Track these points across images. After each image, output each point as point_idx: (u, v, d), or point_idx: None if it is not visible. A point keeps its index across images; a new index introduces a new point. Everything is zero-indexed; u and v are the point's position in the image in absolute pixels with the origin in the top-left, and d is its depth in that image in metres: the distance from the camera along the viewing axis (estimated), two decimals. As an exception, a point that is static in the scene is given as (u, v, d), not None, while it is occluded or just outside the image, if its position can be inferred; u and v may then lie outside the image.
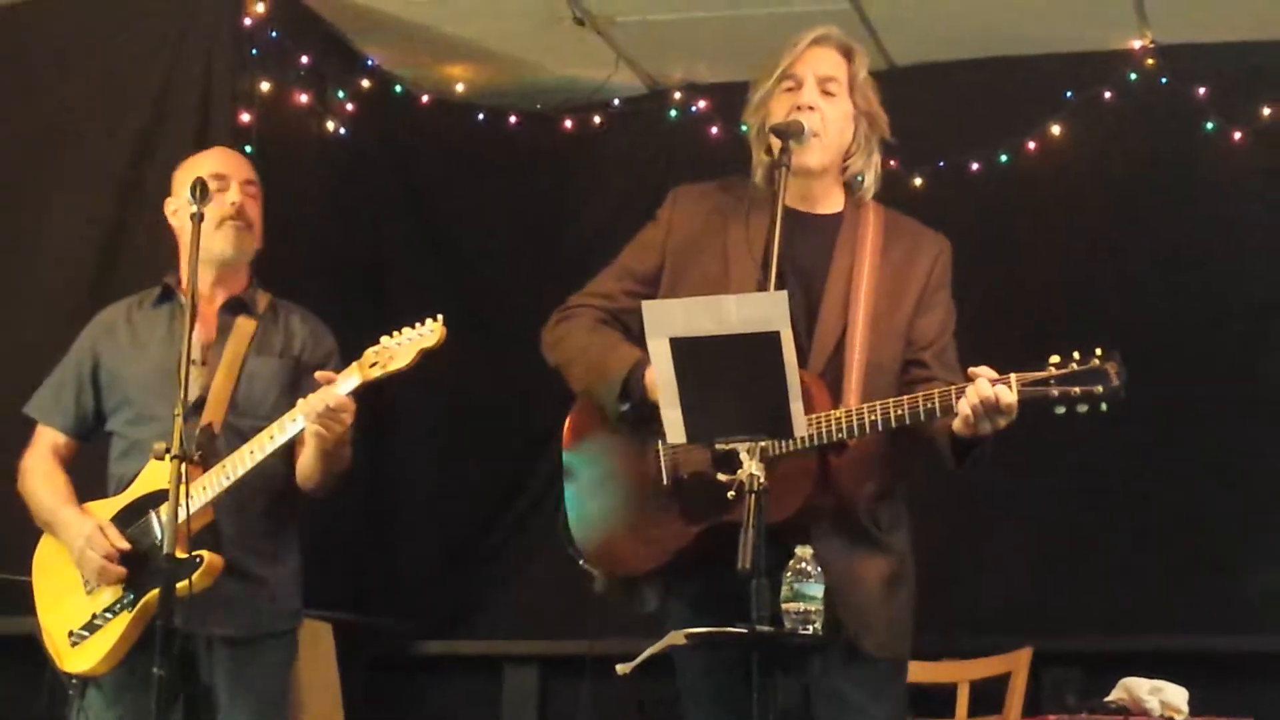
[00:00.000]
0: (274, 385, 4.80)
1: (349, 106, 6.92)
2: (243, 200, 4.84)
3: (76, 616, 4.71)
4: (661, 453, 4.29)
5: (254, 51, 6.39)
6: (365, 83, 7.00)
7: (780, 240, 4.11)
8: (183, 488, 4.25)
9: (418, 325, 4.51)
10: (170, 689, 4.25)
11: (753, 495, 3.83)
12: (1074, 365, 3.94)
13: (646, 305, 3.89)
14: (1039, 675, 6.15)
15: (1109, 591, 6.48)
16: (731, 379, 3.86)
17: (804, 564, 3.91)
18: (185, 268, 4.76)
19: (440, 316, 4.51)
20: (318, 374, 4.58)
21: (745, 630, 3.81)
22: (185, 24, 6.33)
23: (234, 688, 4.67)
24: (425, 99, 7.27)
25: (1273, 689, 6.16)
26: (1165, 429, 6.52)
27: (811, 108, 4.28)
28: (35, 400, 4.96)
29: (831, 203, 4.40)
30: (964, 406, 3.99)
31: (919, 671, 5.88)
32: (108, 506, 4.77)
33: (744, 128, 4.46)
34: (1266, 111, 6.61)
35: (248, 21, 6.35)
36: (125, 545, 4.65)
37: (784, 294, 3.86)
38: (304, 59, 6.63)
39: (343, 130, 6.89)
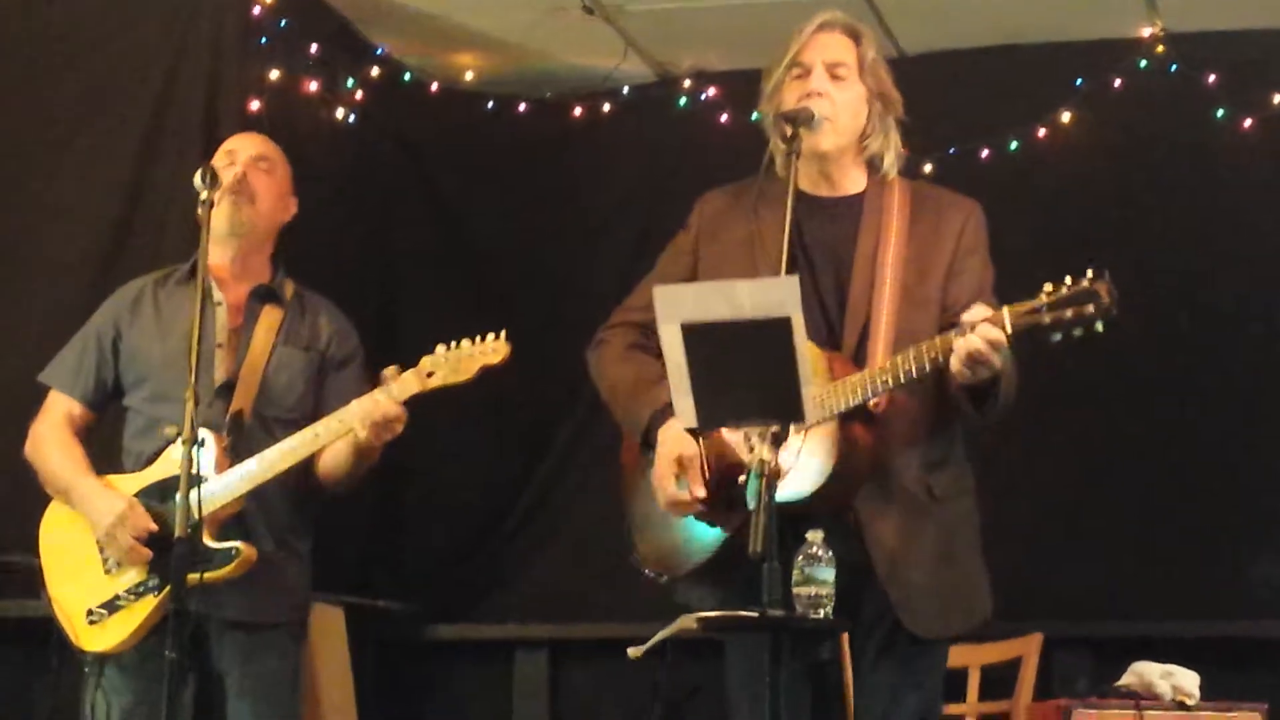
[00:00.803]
0: (300, 378, 4.79)
1: (358, 95, 6.92)
2: (245, 173, 4.81)
3: (95, 594, 4.65)
4: (702, 453, 4.30)
5: (263, 40, 6.39)
6: (374, 71, 7.00)
7: (799, 224, 4.13)
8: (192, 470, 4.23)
9: (479, 339, 4.48)
10: (181, 672, 4.24)
11: (762, 479, 3.83)
12: (1065, 290, 3.92)
13: (657, 290, 3.89)
14: (1050, 660, 6.16)
15: (1120, 576, 6.48)
16: (743, 364, 3.86)
17: (815, 548, 3.91)
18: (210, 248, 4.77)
19: (505, 332, 4.48)
20: (384, 371, 4.56)
21: (756, 614, 3.82)
22: (194, 12, 6.31)
23: (244, 673, 4.66)
24: (434, 87, 7.26)
25: (1285, 674, 6.17)
26: (1178, 413, 6.54)
27: (821, 94, 4.28)
28: (52, 368, 4.90)
29: (853, 184, 4.39)
30: (955, 359, 3.95)
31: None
32: (130, 482, 4.71)
33: (757, 116, 4.46)
34: (1277, 99, 6.60)
35: (257, 10, 6.36)
36: (154, 527, 4.59)
37: (795, 279, 3.85)
38: (313, 48, 6.63)
39: (352, 118, 6.89)
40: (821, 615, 3.89)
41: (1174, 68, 6.67)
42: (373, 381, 4.67)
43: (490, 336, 4.49)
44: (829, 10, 4.40)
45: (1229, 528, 6.47)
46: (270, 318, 4.82)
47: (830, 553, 3.91)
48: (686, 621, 3.96)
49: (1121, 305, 6.48)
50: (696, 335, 3.84)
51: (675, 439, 4.24)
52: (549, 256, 7.20)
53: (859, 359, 4.20)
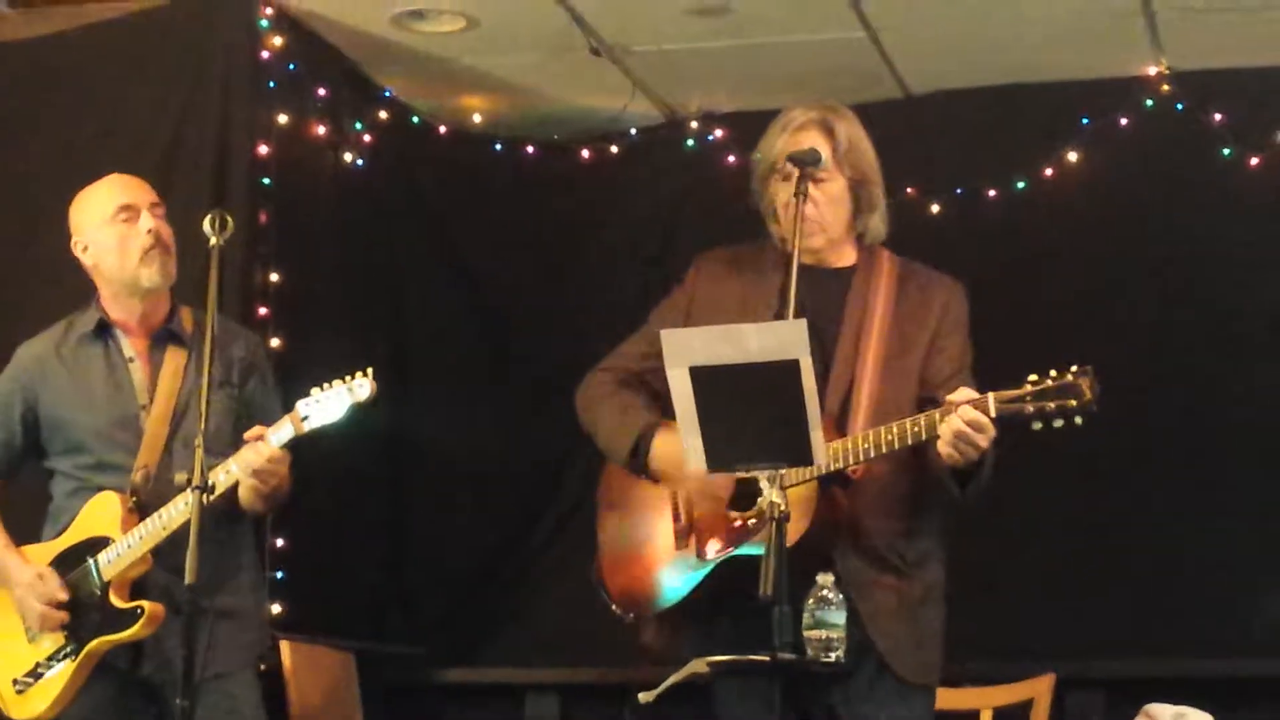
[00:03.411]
0: (222, 418, 4.72)
1: (366, 138, 6.92)
2: (157, 225, 4.77)
3: (20, 664, 4.71)
4: (679, 494, 4.37)
5: (271, 84, 6.39)
6: (382, 114, 7.01)
7: (796, 289, 4.19)
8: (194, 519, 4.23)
9: (348, 379, 4.47)
10: None
11: (774, 522, 3.85)
12: (1049, 382, 4.02)
13: (665, 334, 3.93)
14: (1062, 701, 6.12)
15: (1132, 616, 6.45)
16: (751, 407, 3.87)
17: (826, 591, 3.92)
18: (110, 302, 4.79)
19: (370, 370, 4.46)
20: (246, 434, 4.53)
21: (768, 658, 3.82)
22: (202, 57, 6.32)
23: (209, 715, 4.58)
24: (442, 130, 7.27)
25: (1297, 713, 6.15)
26: (1187, 453, 6.52)
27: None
28: None
29: (844, 257, 4.50)
30: (943, 442, 4.07)
31: (942, 697, 5.83)
32: (45, 551, 4.75)
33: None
34: (1284, 137, 6.61)
35: (265, 54, 6.35)
36: (63, 596, 4.63)
37: (803, 322, 3.89)
38: (321, 91, 6.64)
39: (360, 161, 6.89)
40: (834, 659, 3.89)
41: (1180, 106, 6.67)
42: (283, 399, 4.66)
43: (358, 374, 4.46)
44: (800, 107, 4.48)
45: (1241, 567, 6.45)
46: (174, 361, 4.78)
47: (841, 596, 3.92)
48: (697, 666, 3.96)
49: (1129, 344, 6.52)
50: (705, 378, 3.86)
51: (673, 443, 4.26)
52: (557, 298, 7.19)
53: (840, 426, 4.30)
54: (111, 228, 4.77)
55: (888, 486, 4.32)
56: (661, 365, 4.24)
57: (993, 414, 4.05)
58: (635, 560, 4.48)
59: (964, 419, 4.04)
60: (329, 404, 4.45)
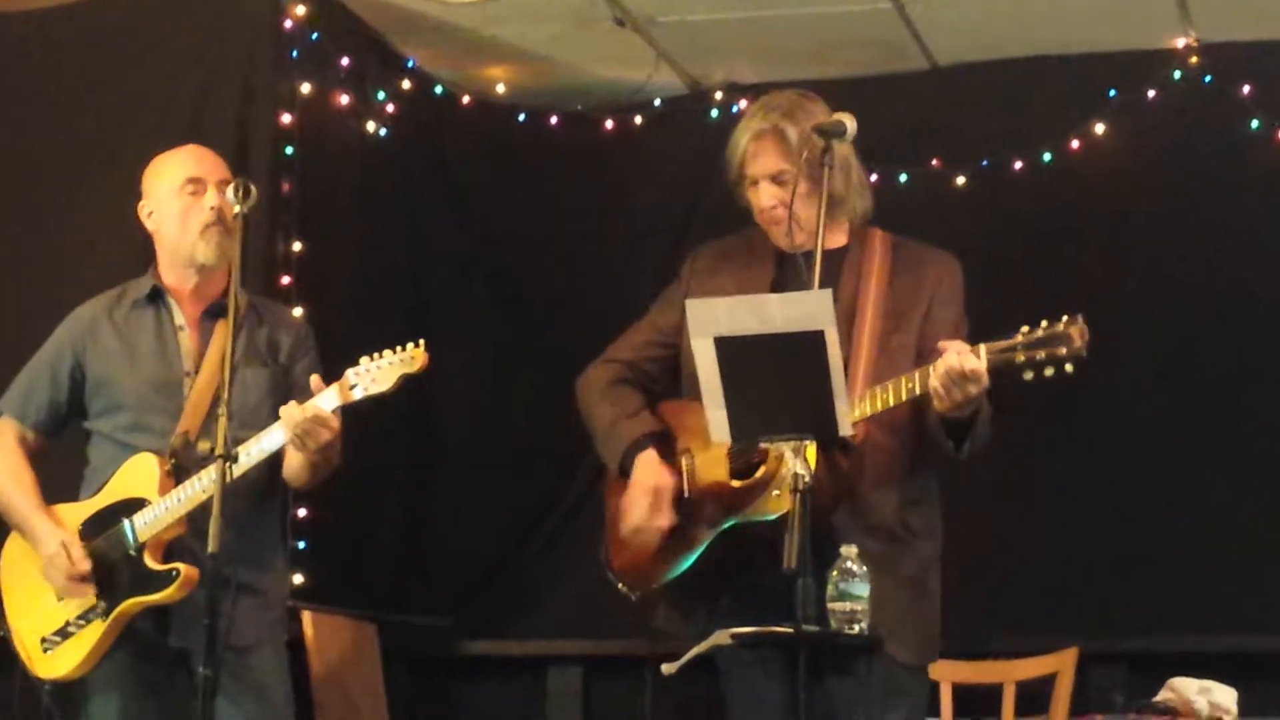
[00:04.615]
0: (264, 395, 4.74)
1: (390, 108, 6.91)
2: (220, 203, 4.77)
3: (49, 622, 4.70)
4: (683, 466, 4.38)
5: (294, 54, 6.38)
6: (406, 84, 6.99)
7: (782, 279, 4.30)
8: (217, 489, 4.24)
9: (400, 349, 4.46)
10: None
11: (798, 494, 3.84)
12: (1040, 332, 4.04)
13: (690, 304, 3.95)
14: (1085, 675, 6.11)
15: (1156, 591, 6.44)
16: (776, 378, 3.86)
17: (850, 563, 3.91)
18: (166, 269, 4.81)
19: (423, 341, 4.46)
20: (312, 381, 4.54)
21: (791, 630, 3.81)
22: (225, 27, 6.31)
23: (236, 695, 4.60)
24: (466, 100, 7.26)
25: (1325, 689, 6.13)
26: (1211, 426, 6.50)
27: (773, 207, 4.39)
28: (6, 397, 4.91)
29: (834, 239, 4.46)
30: (934, 377, 4.07)
31: (965, 671, 5.87)
32: (78, 511, 4.75)
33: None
34: (1312, 110, 6.58)
35: (288, 24, 6.34)
36: (85, 568, 4.63)
37: (828, 292, 3.89)
38: (345, 61, 6.62)
39: (383, 131, 6.88)
40: (857, 631, 3.88)
41: (1208, 79, 6.64)
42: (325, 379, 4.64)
43: (410, 346, 4.46)
44: (756, 111, 4.47)
45: (1266, 542, 6.43)
46: (224, 333, 4.70)
47: (865, 568, 3.91)
48: (720, 637, 3.96)
49: (1156, 319, 6.50)
50: (729, 349, 3.85)
51: (651, 468, 4.40)
52: (581, 269, 7.18)
53: None
54: (177, 199, 4.78)
55: (887, 452, 4.31)
56: (660, 354, 4.52)
57: (983, 363, 4.05)
58: (639, 537, 4.49)
59: (966, 365, 4.03)
60: (379, 374, 4.44)
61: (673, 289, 4.63)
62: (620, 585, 4.53)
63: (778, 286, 4.36)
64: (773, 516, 4.13)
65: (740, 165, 4.44)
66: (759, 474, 4.25)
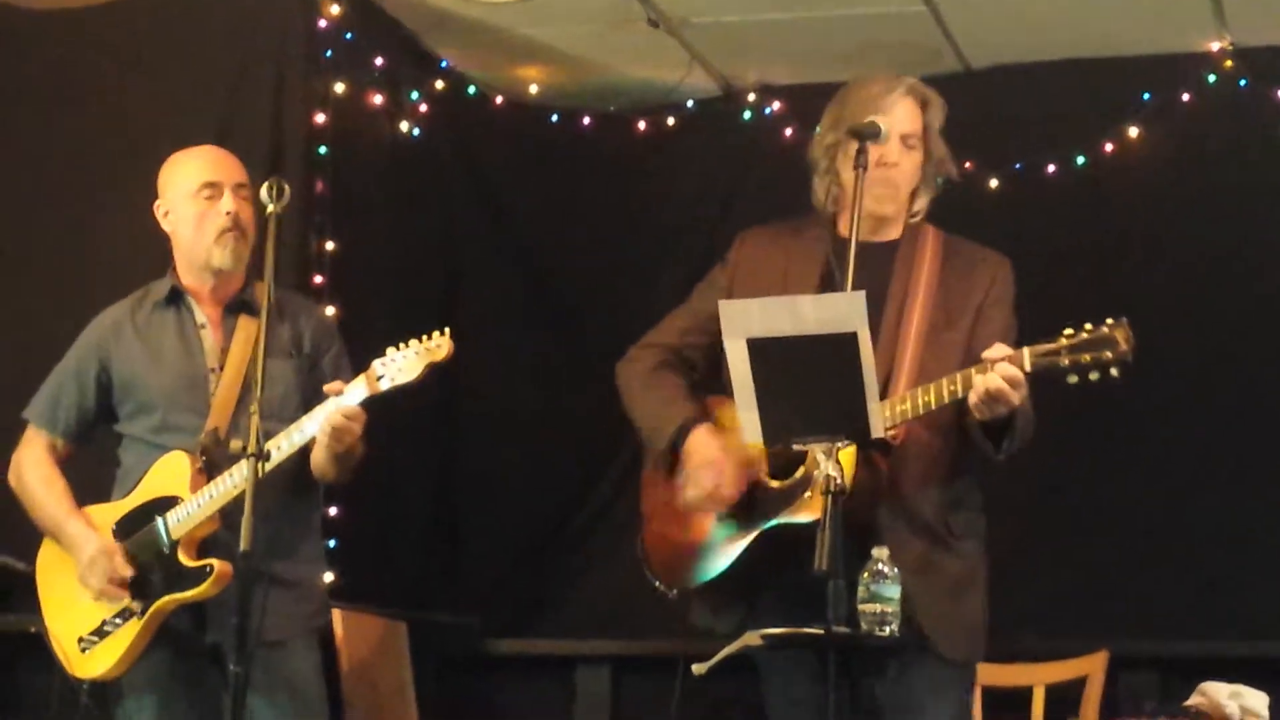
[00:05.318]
0: (291, 387, 4.75)
1: (423, 108, 6.92)
2: (237, 208, 4.77)
3: (86, 622, 4.71)
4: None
5: (328, 54, 6.39)
6: (439, 84, 7.01)
7: (833, 266, 4.30)
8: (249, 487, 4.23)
9: (425, 338, 4.45)
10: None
11: (829, 496, 3.84)
12: (1084, 334, 4.01)
13: (723, 305, 3.94)
14: (1116, 679, 6.10)
15: (1188, 594, 6.42)
16: (809, 379, 3.86)
17: (881, 565, 3.91)
18: (184, 271, 4.81)
19: (448, 330, 4.45)
20: (326, 387, 4.53)
21: (821, 631, 3.81)
22: (259, 27, 6.33)
23: (270, 691, 4.62)
24: (499, 100, 7.26)
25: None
26: (1245, 430, 6.48)
27: (895, 164, 4.40)
28: (33, 406, 4.92)
29: (890, 231, 4.48)
30: (973, 395, 4.06)
31: (994, 674, 5.85)
32: (110, 511, 4.76)
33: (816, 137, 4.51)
34: (1349, 114, 6.55)
35: (322, 24, 6.36)
36: (127, 573, 4.64)
37: (861, 294, 3.88)
38: (378, 61, 6.64)
39: (416, 131, 6.89)
40: (888, 633, 3.88)
41: (1243, 82, 6.62)
42: (354, 371, 4.65)
43: (435, 334, 4.45)
44: (892, 81, 4.47)
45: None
46: (247, 329, 4.77)
47: (896, 570, 3.91)
48: (751, 638, 3.96)
49: (1192, 322, 6.49)
50: (762, 350, 3.85)
51: (710, 443, 4.37)
52: (613, 270, 7.19)
53: (882, 396, 4.22)
54: (193, 202, 4.77)
55: (930, 453, 4.31)
56: (702, 340, 4.46)
57: (1028, 368, 4.04)
58: (677, 534, 4.48)
59: (1004, 375, 4.03)
60: (406, 364, 4.44)
61: (718, 271, 4.63)
62: (657, 583, 4.53)
63: (828, 270, 4.36)
64: (805, 520, 4.12)
65: (873, 113, 4.36)
66: (798, 474, 4.24)
